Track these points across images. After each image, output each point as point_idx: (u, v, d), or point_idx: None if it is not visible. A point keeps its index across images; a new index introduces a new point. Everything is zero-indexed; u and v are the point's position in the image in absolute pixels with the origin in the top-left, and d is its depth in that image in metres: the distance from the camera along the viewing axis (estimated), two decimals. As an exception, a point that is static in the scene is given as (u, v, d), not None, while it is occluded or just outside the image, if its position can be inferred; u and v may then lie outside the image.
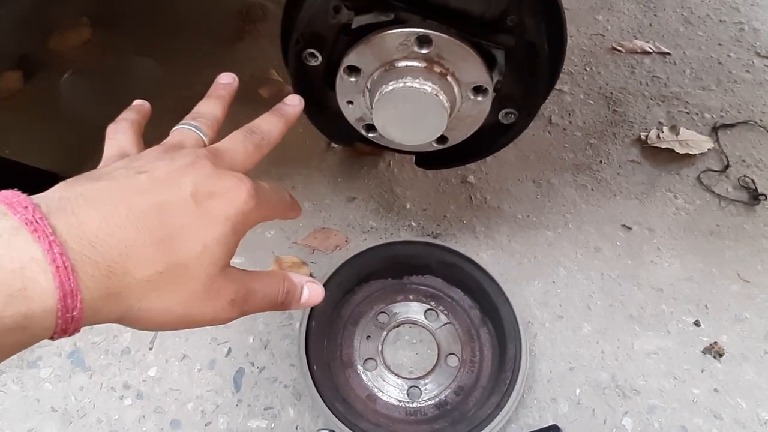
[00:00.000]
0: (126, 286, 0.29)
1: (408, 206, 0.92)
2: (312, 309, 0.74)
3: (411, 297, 0.82)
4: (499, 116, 0.55)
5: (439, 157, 0.62)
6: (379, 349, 0.77)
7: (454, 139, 0.56)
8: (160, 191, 0.32)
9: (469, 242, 0.88)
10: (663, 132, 0.99)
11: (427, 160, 0.66)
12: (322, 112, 0.59)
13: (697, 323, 0.79)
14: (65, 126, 1.06)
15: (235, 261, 0.87)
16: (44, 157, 0.96)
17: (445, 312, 0.80)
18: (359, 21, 0.48)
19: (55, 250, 0.25)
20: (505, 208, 0.92)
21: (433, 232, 0.90)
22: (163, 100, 1.15)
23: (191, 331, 0.82)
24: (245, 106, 1.15)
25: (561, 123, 1.03)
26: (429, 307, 0.81)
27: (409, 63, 0.48)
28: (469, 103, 0.51)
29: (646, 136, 0.99)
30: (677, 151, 0.95)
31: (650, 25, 1.19)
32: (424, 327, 0.79)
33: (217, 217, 0.33)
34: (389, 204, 0.93)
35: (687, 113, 1.04)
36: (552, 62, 0.52)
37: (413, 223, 0.91)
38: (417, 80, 0.47)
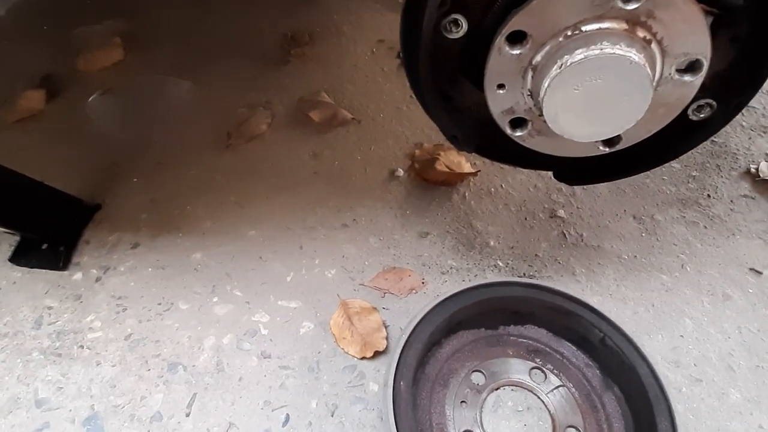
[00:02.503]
0: None
1: (492, 243, 0.78)
2: (398, 363, 0.59)
3: (510, 352, 0.66)
4: (689, 110, 0.42)
5: (593, 168, 0.49)
6: (478, 418, 0.61)
7: (630, 139, 0.43)
8: None
9: (570, 286, 0.74)
10: (774, 164, 0.86)
11: (572, 172, 0.52)
12: (445, 106, 0.46)
13: None
14: (90, 149, 0.93)
15: (291, 305, 0.72)
16: (66, 180, 0.82)
17: (555, 371, 0.65)
18: (530, -27, 0.36)
19: None
20: (606, 247, 0.78)
21: (525, 274, 0.75)
22: (201, 124, 1.06)
23: (238, 393, 0.65)
24: (295, 131, 1.04)
25: (654, 154, 0.90)
26: (534, 364, 0.65)
27: (605, 24, 0.35)
28: (669, 85, 0.38)
29: (756, 169, 0.86)
30: (797, 185, 0.83)
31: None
32: (530, 390, 0.63)
33: None
34: (470, 241, 0.79)
35: (794, 145, 0.92)
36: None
37: (500, 263, 0.76)
38: (618, 46, 0.34)
